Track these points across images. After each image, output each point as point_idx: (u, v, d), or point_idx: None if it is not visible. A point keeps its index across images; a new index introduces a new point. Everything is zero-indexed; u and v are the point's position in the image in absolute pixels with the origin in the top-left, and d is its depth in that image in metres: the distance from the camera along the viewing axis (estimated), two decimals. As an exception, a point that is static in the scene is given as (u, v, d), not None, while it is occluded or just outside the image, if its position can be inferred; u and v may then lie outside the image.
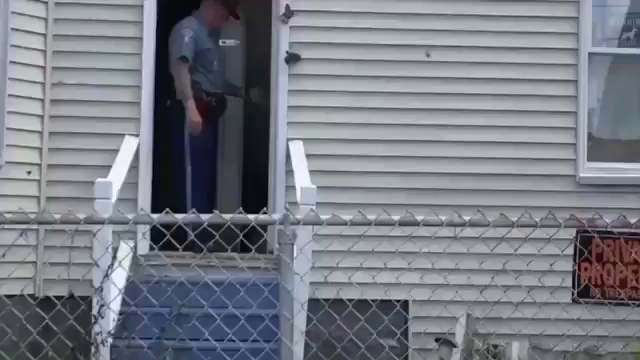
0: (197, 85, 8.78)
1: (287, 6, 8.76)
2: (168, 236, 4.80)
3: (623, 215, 4.62)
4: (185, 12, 9.07)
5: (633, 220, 4.67)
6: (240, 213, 4.73)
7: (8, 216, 5.01)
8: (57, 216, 4.95)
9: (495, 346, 7.95)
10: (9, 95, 8.30)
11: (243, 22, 9.60)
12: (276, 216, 4.97)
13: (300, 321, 5.87)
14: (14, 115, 8.34)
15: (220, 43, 9.26)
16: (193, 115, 8.59)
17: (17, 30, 8.39)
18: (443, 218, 4.61)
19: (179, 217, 4.64)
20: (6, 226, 4.90)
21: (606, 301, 4.85)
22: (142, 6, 8.72)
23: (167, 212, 4.67)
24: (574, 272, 4.77)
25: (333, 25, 8.78)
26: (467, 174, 8.61)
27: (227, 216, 4.67)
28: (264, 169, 9.04)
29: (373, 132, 8.68)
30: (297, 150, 8.38)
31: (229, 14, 9.08)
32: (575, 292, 4.80)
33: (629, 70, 9.37)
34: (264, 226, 5.82)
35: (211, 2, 8.98)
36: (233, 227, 4.78)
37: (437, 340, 8.05)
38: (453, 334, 8.02)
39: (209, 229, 4.70)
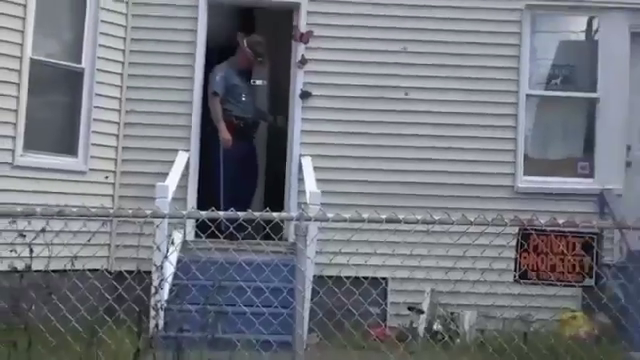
0: (228, 112, 8.68)
1: (302, 56, 8.80)
2: (213, 228, 4.83)
3: (553, 217, 4.70)
4: (225, 56, 9.05)
5: (561, 221, 4.76)
6: (267, 212, 4.79)
7: (93, 210, 5.04)
8: (130, 211, 5.02)
9: (452, 313, 8.03)
10: (94, 119, 8.32)
11: (269, 66, 9.59)
12: (293, 214, 5.03)
13: (308, 293, 5.86)
14: (97, 134, 8.36)
15: (251, 82, 9.23)
16: (223, 133, 8.54)
17: (101, 70, 8.39)
18: (419, 217, 4.63)
19: (221, 214, 4.70)
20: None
21: (539, 282, 4.89)
22: (194, 54, 8.73)
23: (212, 210, 4.74)
24: (516, 259, 4.82)
25: (336, 71, 8.77)
26: (436, 184, 8.60)
27: (257, 213, 4.70)
28: (282, 177, 8.96)
29: (365, 151, 8.66)
30: (307, 163, 8.34)
31: (254, 59, 8.96)
32: (516, 275, 4.84)
33: (555, 107, 9.29)
34: (282, 220, 5.92)
35: (241, 51, 8.91)
36: (261, 221, 4.84)
37: (409, 308, 8.11)
38: (421, 303, 8.11)
39: (243, 222, 4.75)
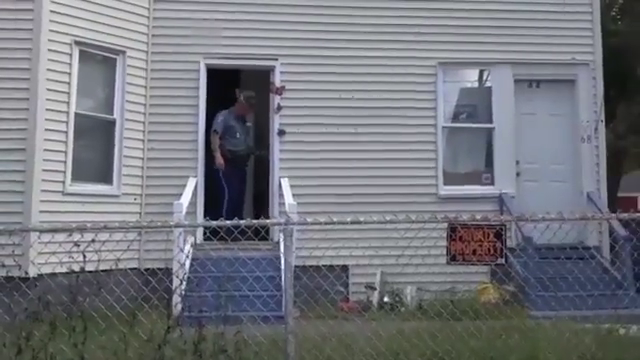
0: (225, 146, 8.58)
1: (278, 104, 8.76)
2: (222, 233, 4.73)
3: (473, 215, 4.68)
4: (223, 100, 8.86)
5: (478, 217, 4.73)
6: (262, 219, 4.71)
7: (130, 224, 4.92)
8: (159, 223, 4.89)
9: (398, 288, 7.94)
10: (124, 156, 8.20)
11: (254, 112, 9.50)
12: (282, 220, 4.95)
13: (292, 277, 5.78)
14: (126, 167, 8.22)
15: (246, 124, 9.08)
16: (218, 159, 8.42)
17: (128, 120, 8.28)
18: (375, 219, 4.62)
19: (227, 222, 4.60)
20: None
21: (465, 262, 4.83)
22: (197, 105, 8.61)
23: (221, 219, 4.63)
24: (447, 247, 4.76)
25: (304, 114, 8.73)
26: (384, 194, 8.49)
27: (255, 221, 4.63)
28: (266, 193, 8.85)
29: (328, 172, 8.56)
30: (285, 183, 8.23)
31: (249, 108, 8.94)
32: (448, 258, 4.78)
33: (463, 135, 9.29)
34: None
35: (239, 102, 8.85)
36: (258, 227, 4.74)
37: (365, 287, 8.05)
38: (374, 283, 8.03)
39: (245, 228, 4.65)
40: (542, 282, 6.45)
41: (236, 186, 8.59)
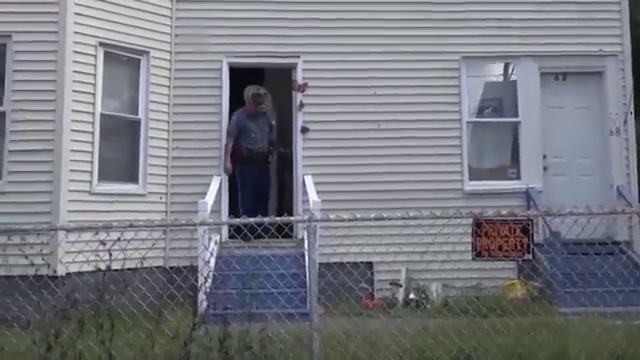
0: (242, 145, 8.52)
1: (301, 101, 8.76)
2: (245, 231, 4.74)
3: (498, 210, 4.63)
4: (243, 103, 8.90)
5: (503, 212, 4.68)
6: (286, 216, 4.71)
7: (156, 222, 4.96)
8: (183, 222, 4.93)
9: (423, 285, 7.88)
10: (149, 155, 8.26)
11: (276, 109, 9.50)
12: (305, 217, 4.93)
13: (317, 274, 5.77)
14: (152, 166, 8.28)
15: (272, 122, 9.04)
16: (225, 163, 8.41)
17: (153, 119, 8.34)
18: (398, 215, 4.59)
19: (251, 220, 4.61)
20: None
21: (491, 258, 4.77)
22: (220, 104, 8.66)
23: (244, 217, 4.64)
24: (472, 243, 4.70)
25: (326, 111, 8.69)
26: (408, 190, 8.45)
27: (278, 218, 4.62)
28: (290, 191, 8.90)
29: (351, 169, 8.54)
30: (309, 180, 8.22)
31: (255, 105, 8.70)
32: (473, 254, 4.72)
33: (488, 129, 9.18)
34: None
35: (247, 103, 8.73)
36: (281, 224, 4.74)
37: (391, 283, 8.02)
38: (400, 279, 7.99)
39: (268, 225, 4.65)
40: (570, 278, 6.35)
41: (252, 186, 8.48)
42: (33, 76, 7.50)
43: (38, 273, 4.55)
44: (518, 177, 8.89)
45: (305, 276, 5.24)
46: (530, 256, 4.91)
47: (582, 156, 9.08)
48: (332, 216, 4.75)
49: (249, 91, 8.74)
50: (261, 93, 8.76)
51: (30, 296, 4.62)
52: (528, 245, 4.84)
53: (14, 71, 7.52)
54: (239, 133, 8.54)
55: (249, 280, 5.05)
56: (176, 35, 8.63)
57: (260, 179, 8.69)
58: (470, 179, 8.80)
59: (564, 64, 9.09)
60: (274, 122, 9.10)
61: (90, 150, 7.71)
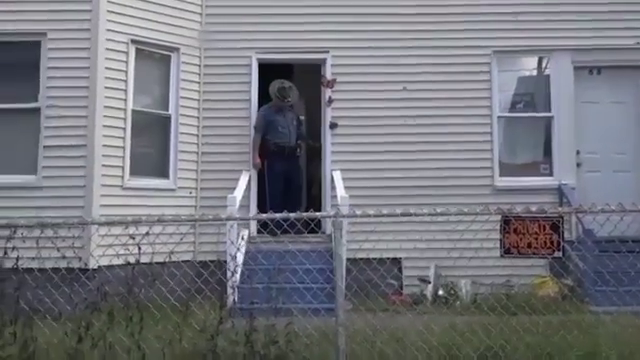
0: (269, 140, 8.48)
1: (329, 97, 8.75)
2: (272, 226, 4.77)
3: (527, 206, 4.56)
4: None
5: (533, 209, 4.61)
6: (311, 212, 4.73)
7: (183, 217, 5.01)
8: (210, 216, 4.98)
9: (452, 282, 7.84)
10: (179, 151, 8.34)
11: (304, 104, 9.50)
12: (331, 213, 4.94)
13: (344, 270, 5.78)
14: (182, 161, 8.36)
15: (300, 117, 9.04)
16: (254, 159, 8.44)
17: (183, 115, 8.42)
18: (425, 211, 4.57)
19: (277, 215, 4.64)
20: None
21: (519, 256, 4.70)
22: (249, 99, 8.70)
23: (271, 212, 4.67)
24: (501, 239, 4.64)
25: (355, 107, 8.67)
26: (436, 186, 8.36)
27: (304, 214, 4.66)
28: (318, 186, 8.91)
29: (380, 164, 8.47)
30: (337, 176, 8.21)
31: (281, 100, 8.57)
32: (502, 251, 4.67)
33: (520, 124, 9.01)
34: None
35: (273, 98, 8.62)
36: (307, 220, 4.75)
37: (420, 280, 7.97)
38: (428, 276, 7.94)
39: (294, 221, 4.66)
40: (602, 276, 6.22)
41: (281, 181, 8.43)
42: (67, 73, 7.66)
43: (70, 266, 4.66)
44: (550, 173, 8.75)
45: (331, 271, 5.23)
46: (560, 254, 4.83)
47: (617, 152, 8.89)
48: (358, 212, 4.76)
49: (274, 86, 8.71)
50: (286, 87, 8.72)
51: (62, 288, 4.73)
52: (558, 242, 4.76)
53: (48, 68, 7.68)
54: (266, 128, 8.51)
55: (275, 275, 5.07)
56: (206, 32, 8.69)
57: (289, 173, 8.66)
58: (501, 175, 8.68)
59: (599, 58, 8.88)
60: (303, 116, 9.09)
61: (122, 145, 7.84)
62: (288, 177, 8.60)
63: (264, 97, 8.78)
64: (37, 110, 7.66)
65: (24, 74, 7.81)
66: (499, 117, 8.83)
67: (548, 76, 9.03)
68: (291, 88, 8.79)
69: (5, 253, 4.27)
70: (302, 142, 9.01)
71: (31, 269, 4.46)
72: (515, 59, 9.19)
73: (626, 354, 4.48)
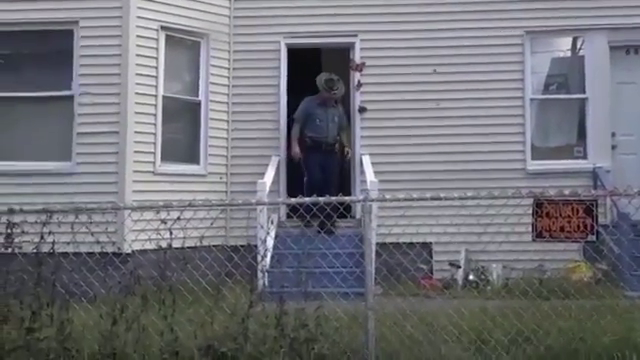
0: (306, 134, 8.32)
1: (359, 81, 8.71)
2: (301, 210, 4.79)
3: (560, 190, 4.49)
4: (304, 79, 8.72)
5: (566, 192, 4.54)
6: (340, 196, 4.74)
7: (214, 201, 5.06)
8: (240, 201, 5.02)
9: (483, 266, 7.78)
10: (210, 137, 8.41)
11: (335, 97, 9.30)
12: (360, 197, 4.94)
13: (374, 255, 5.76)
14: (212, 147, 8.43)
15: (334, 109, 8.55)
16: (292, 149, 8.31)
17: (213, 101, 8.48)
18: (456, 195, 4.52)
19: (306, 199, 4.66)
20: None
21: (552, 240, 4.64)
22: (279, 85, 8.71)
23: (300, 197, 4.70)
24: (533, 223, 4.58)
25: (384, 90, 8.61)
26: (466, 170, 8.28)
27: (333, 198, 4.65)
28: (348, 171, 8.79)
29: (409, 148, 8.43)
30: (366, 160, 8.18)
31: (330, 93, 8.38)
32: (534, 235, 4.61)
33: (553, 107, 8.88)
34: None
35: (320, 90, 8.40)
36: (337, 204, 4.75)
37: (450, 264, 7.93)
38: (459, 260, 7.89)
39: (324, 205, 4.67)
40: (637, 260, 6.10)
41: (316, 173, 8.24)
42: (98, 61, 7.77)
43: (104, 250, 4.76)
44: (584, 156, 8.59)
45: (361, 256, 5.24)
46: (594, 237, 4.75)
47: (655, 134, 8.68)
48: (388, 196, 4.74)
49: (321, 77, 8.46)
50: (334, 78, 8.45)
51: (96, 272, 4.84)
52: (592, 226, 4.68)
53: (80, 56, 7.81)
54: (305, 120, 8.37)
55: (305, 259, 5.09)
56: (234, 17, 8.72)
57: (322, 168, 8.32)
58: (533, 158, 8.57)
59: (636, 37, 8.64)
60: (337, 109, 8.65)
61: (153, 132, 7.94)
62: (320, 171, 8.31)
63: (293, 82, 8.76)
64: (70, 98, 7.80)
65: (57, 62, 7.95)
66: (532, 99, 8.69)
67: (582, 57, 8.85)
68: (339, 80, 8.53)
69: (42, 237, 4.38)
70: (340, 139, 8.54)
71: (66, 253, 4.57)
72: (548, 40, 9.01)
73: (662, 340, 4.39)
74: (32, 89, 7.86)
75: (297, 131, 8.36)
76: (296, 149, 8.31)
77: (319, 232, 6.03)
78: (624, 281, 6.63)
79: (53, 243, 4.38)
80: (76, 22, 7.83)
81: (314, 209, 4.70)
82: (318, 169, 8.28)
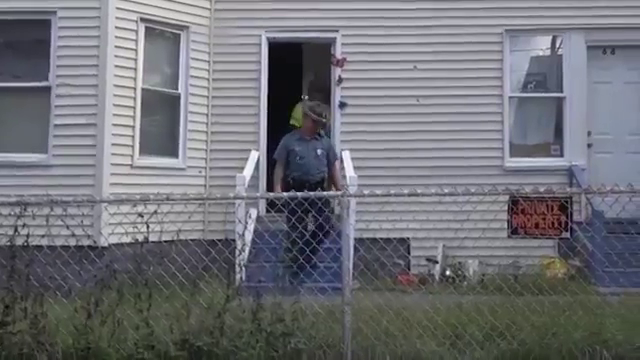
0: (287, 174, 7.29)
1: (339, 76, 8.71)
2: (279, 205, 4.79)
3: (536, 187, 4.55)
4: (285, 74, 8.82)
5: (541, 189, 4.60)
6: (319, 191, 4.75)
7: (191, 195, 5.02)
8: (218, 195, 5.00)
9: (459, 262, 7.84)
10: (189, 130, 8.36)
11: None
12: (339, 192, 4.95)
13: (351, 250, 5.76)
14: (191, 141, 8.38)
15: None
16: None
17: (193, 94, 8.43)
18: (433, 191, 4.56)
19: (284, 194, 4.67)
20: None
21: (527, 236, 4.69)
22: (259, 78, 8.68)
23: (277, 192, 4.69)
24: (508, 220, 4.64)
25: (365, 86, 8.62)
26: (444, 166, 8.35)
27: (311, 193, 4.67)
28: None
29: (389, 144, 8.45)
30: (346, 156, 8.17)
31: (319, 119, 7.46)
32: (509, 231, 4.66)
33: (531, 105, 8.98)
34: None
35: (306, 116, 7.52)
36: (315, 199, 4.76)
37: (427, 259, 7.99)
38: (436, 256, 7.96)
39: (302, 200, 4.66)
40: (610, 257, 6.21)
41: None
42: (77, 52, 7.67)
43: (79, 244, 4.72)
44: (561, 154, 8.70)
45: (338, 251, 5.25)
46: (568, 234, 4.82)
47: (630, 133, 8.83)
48: (366, 191, 4.76)
49: (306, 103, 7.83)
50: (321, 104, 7.80)
51: (72, 266, 4.79)
52: (566, 223, 4.74)
53: (58, 47, 7.71)
54: (286, 159, 7.39)
55: (282, 254, 5.09)
56: (215, 10, 8.66)
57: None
58: (511, 155, 8.65)
59: (613, 37, 8.76)
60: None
61: (132, 124, 7.87)
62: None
63: (273, 77, 8.72)
64: (47, 89, 7.70)
65: (34, 53, 7.85)
66: (510, 97, 8.77)
67: (561, 56, 8.95)
68: (327, 107, 8.08)
69: (16, 230, 4.33)
70: (330, 175, 7.54)
71: (41, 246, 4.52)
72: (527, 38, 9.10)
73: (631, 334, 4.48)
74: (8, 79, 7.74)
75: (280, 172, 7.33)
76: (278, 191, 6.85)
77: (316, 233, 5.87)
78: (596, 278, 6.73)
79: (27, 236, 4.33)
80: (54, 12, 7.72)
81: (292, 204, 4.70)
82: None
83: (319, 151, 7.46)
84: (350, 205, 4.90)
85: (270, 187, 7.62)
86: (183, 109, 8.34)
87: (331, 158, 7.60)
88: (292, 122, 8.94)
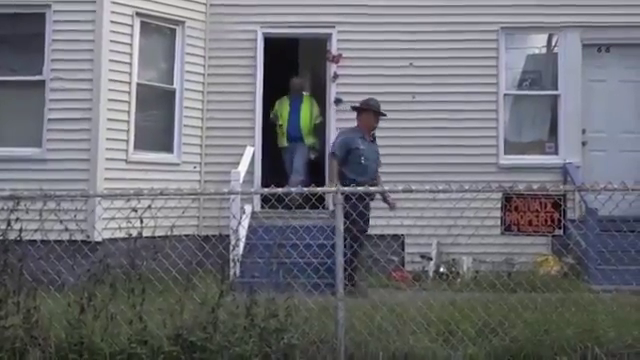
0: (347, 175, 6.61)
1: (335, 72, 8.70)
2: (273, 201, 4.78)
3: (529, 185, 4.55)
4: (281, 69, 8.84)
5: (535, 187, 4.61)
6: (313, 187, 4.74)
7: (185, 190, 5.02)
8: (212, 190, 4.99)
9: (453, 259, 7.86)
10: (184, 125, 8.35)
11: (309, 82, 9.41)
12: (333, 189, 4.94)
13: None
14: (186, 136, 8.37)
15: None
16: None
17: (188, 89, 8.40)
18: (427, 187, 4.57)
19: (279, 190, 4.66)
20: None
21: (520, 233, 4.71)
22: (255, 74, 8.66)
23: (272, 187, 4.68)
24: (502, 217, 4.65)
25: (360, 82, 8.57)
26: (438, 163, 8.35)
27: (305, 189, 4.67)
28: (322, 162, 8.75)
29: (384, 141, 7.98)
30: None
31: (375, 123, 7.07)
32: (502, 228, 4.67)
33: (526, 102, 9.01)
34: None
35: (365, 117, 7.08)
36: (309, 195, 4.76)
37: (421, 256, 8.01)
38: (430, 253, 7.97)
39: (296, 196, 4.67)
40: (603, 255, 6.23)
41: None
42: (71, 46, 7.64)
43: (73, 238, 4.71)
44: (556, 152, 8.72)
45: (332, 247, 5.25)
46: (561, 232, 4.84)
47: (625, 131, 8.84)
48: (360, 188, 4.75)
49: (367, 100, 7.11)
50: (371, 98, 7.23)
51: (65, 260, 4.78)
52: (559, 220, 4.76)
53: (53, 40, 7.67)
54: (345, 157, 6.81)
55: (276, 250, 5.08)
56: (211, 5, 8.65)
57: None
58: (506, 153, 8.67)
59: (608, 35, 8.78)
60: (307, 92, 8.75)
61: (126, 119, 7.84)
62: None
63: (269, 73, 8.69)
64: (42, 83, 7.66)
65: (29, 46, 7.80)
66: (505, 95, 8.78)
67: (556, 54, 8.96)
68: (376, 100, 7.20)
69: (9, 224, 4.31)
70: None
71: (34, 241, 4.51)
72: (522, 36, 9.11)
73: (623, 332, 4.50)
74: (2, 73, 7.69)
75: (337, 169, 6.73)
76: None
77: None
78: (589, 275, 6.76)
79: (20, 230, 4.31)
80: (49, 5, 7.68)
81: (286, 200, 4.70)
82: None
83: (377, 154, 7.01)
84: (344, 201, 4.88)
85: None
86: (178, 104, 8.32)
87: (379, 163, 7.07)
88: (271, 116, 8.90)
